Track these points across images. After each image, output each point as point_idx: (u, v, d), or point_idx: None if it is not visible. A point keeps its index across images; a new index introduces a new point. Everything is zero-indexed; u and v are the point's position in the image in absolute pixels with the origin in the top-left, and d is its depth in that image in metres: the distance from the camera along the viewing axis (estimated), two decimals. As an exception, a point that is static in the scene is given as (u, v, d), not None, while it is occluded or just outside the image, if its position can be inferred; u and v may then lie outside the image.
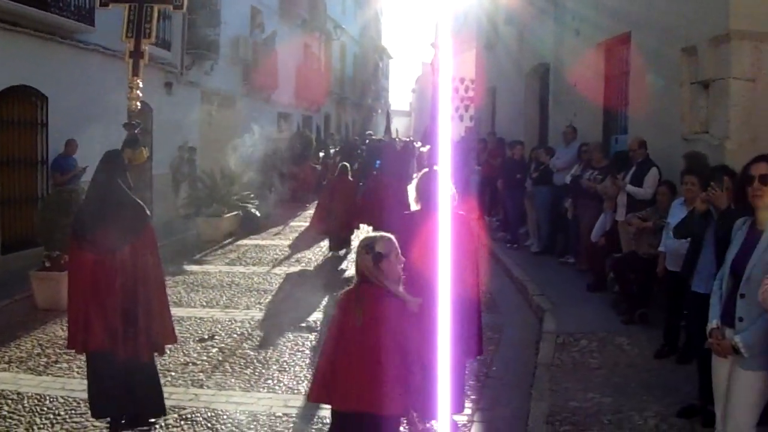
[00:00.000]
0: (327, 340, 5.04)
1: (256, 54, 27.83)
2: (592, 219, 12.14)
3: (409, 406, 4.89)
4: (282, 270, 14.55)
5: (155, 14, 9.33)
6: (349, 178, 16.41)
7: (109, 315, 6.43)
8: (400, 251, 4.93)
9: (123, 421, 6.79)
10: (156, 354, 6.86)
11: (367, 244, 4.89)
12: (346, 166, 16.77)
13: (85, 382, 7.73)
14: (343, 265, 15.37)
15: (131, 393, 6.67)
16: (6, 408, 7.41)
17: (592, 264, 11.89)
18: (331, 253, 16.32)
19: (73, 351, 8.71)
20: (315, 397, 5.14)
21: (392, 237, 4.97)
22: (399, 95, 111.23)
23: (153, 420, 6.93)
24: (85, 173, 15.11)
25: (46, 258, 11.65)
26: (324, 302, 11.70)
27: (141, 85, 9.16)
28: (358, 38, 52.87)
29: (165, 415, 7.03)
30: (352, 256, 16.38)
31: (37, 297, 11.34)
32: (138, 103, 8.96)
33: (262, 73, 28.37)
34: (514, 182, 16.00)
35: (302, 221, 22.21)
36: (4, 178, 14.04)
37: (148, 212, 6.80)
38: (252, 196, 20.47)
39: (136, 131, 7.20)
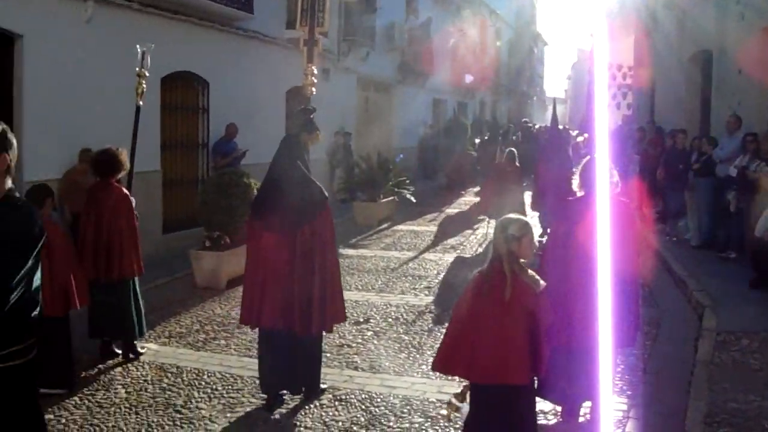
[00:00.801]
0: (459, 317, 5.12)
1: (411, 40, 27.85)
2: (757, 213, 11.49)
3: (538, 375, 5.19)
4: (437, 256, 14.44)
5: (327, 3, 9.47)
6: (517, 164, 16.15)
7: (285, 293, 6.58)
8: (558, 235, 5.19)
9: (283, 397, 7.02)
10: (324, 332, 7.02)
11: (504, 226, 5.00)
12: (513, 151, 16.52)
13: (243, 359, 8.08)
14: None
15: (294, 369, 6.86)
16: (166, 380, 7.62)
17: (756, 260, 11.25)
18: (488, 240, 16.07)
19: (233, 328, 9.03)
20: (440, 367, 5.28)
21: (528, 221, 5.08)
22: (554, 82, 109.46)
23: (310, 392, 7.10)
24: (245, 157, 15.45)
25: (206, 238, 11.93)
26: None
27: (315, 71, 9.28)
28: (513, 24, 52.18)
29: (317, 392, 7.13)
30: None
31: (197, 275, 11.64)
32: (313, 89, 9.08)
33: (417, 60, 28.36)
34: (675, 173, 15.30)
35: (457, 208, 22.08)
36: (167, 160, 14.47)
37: (326, 194, 6.94)
38: (408, 181, 20.43)
39: (311, 116, 7.33)
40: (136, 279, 8.25)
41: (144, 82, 8.81)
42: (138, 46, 8.86)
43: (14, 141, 3.83)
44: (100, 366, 7.98)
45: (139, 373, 7.84)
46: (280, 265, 6.59)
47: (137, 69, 8.82)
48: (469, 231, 17.55)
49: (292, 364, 6.84)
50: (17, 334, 3.68)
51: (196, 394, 7.24)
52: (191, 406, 6.97)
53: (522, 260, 4.98)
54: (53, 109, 11.02)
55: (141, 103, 8.80)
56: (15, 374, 3.70)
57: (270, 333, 6.80)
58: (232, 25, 16.31)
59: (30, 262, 3.63)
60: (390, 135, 27.60)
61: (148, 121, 13.35)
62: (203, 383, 7.53)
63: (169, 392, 7.31)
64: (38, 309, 3.77)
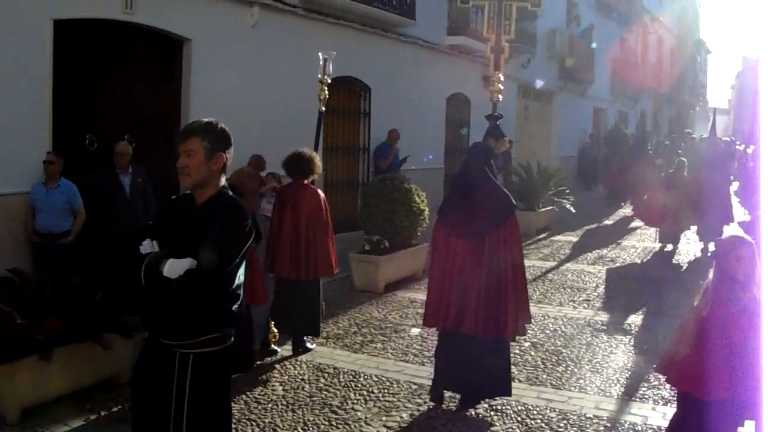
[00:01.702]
0: (691, 331, 5.13)
1: (572, 47, 27.34)
2: None
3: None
4: (596, 268, 13.97)
5: (513, 12, 9.47)
6: (685, 173, 15.54)
7: (471, 297, 6.59)
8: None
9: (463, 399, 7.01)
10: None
11: (726, 245, 5.12)
12: (683, 161, 15.93)
13: (399, 363, 8.05)
14: (673, 262, 14.72)
15: (478, 372, 6.80)
16: (323, 380, 7.61)
17: None
18: (652, 253, 15.62)
19: (390, 332, 9.01)
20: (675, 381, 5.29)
21: (752, 241, 5.08)
22: (718, 92, 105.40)
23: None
24: (406, 162, 15.43)
25: (366, 242, 11.94)
26: (645, 305, 11.06)
27: (502, 78, 9.26)
28: (675, 31, 50.53)
29: (510, 395, 7.00)
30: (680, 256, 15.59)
31: (356, 278, 11.65)
32: (500, 96, 9.10)
33: (578, 67, 27.82)
34: None
35: (617, 219, 21.47)
36: (329, 163, 14.56)
37: (513, 201, 6.97)
38: (567, 191, 19.98)
39: (497, 122, 7.38)
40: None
41: (326, 88, 9.09)
42: (320, 53, 9.14)
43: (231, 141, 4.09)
44: (258, 362, 8.08)
45: (296, 371, 7.88)
46: (467, 269, 6.63)
47: (319, 76, 9.13)
48: (631, 245, 16.95)
49: (469, 368, 6.79)
50: (218, 323, 3.95)
51: (352, 396, 7.20)
52: (347, 407, 6.94)
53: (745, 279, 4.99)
54: (218, 112, 11.15)
55: (323, 108, 9.16)
56: (212, 360, 4.00)
57: (451, 335, 6.81)
58: (394, 31, 16.36)
59: (239, 258, 3.94)
60: (549, 143, 27.17)
61: (311, 125, 13.55)
62: (359, 385, 7.49)
63: (325, 392, 7.29)
64: (239, 303, 4.04)
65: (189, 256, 3.81)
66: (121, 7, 10.07)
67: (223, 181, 4.08)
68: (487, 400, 7.04)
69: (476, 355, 6.71)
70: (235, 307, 4.01)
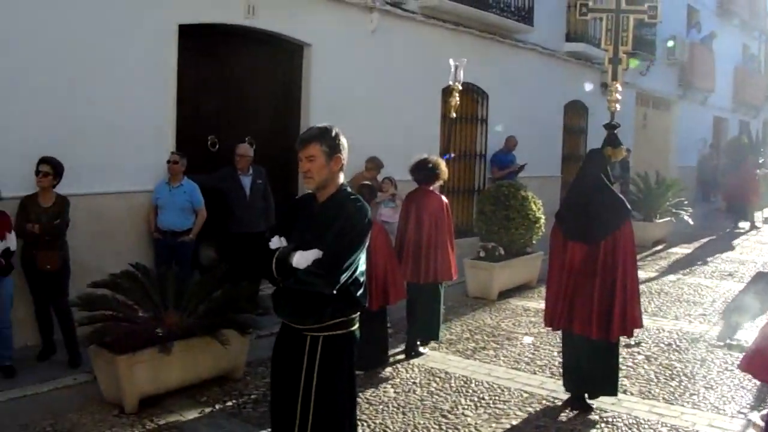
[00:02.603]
0: None
1: (692, 55, 26.56)
2: None
3: None
4: (713, 282, 13.54)
5: (631, 24, 9.46)
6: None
7: (587, 299, 6.78)
8: None
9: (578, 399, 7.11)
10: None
11: None
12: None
13: (511, 371, 8.06)
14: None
15: (596, 372, 6.99)
16: (434, 385, 7.60)
17: None
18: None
19: (502, 339, 8.97)
20: None
21: None
22: None
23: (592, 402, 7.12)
24: (523, 170, 15.29)
25: (481, 248, 11.89)
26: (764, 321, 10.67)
27: (620, 89, 9.23)
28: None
29: (615, 395, 7.12)
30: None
31: (469, 284, 11.61)
32: (617, 105, 9.09)
33: (699, 75, 27.03)
34: None
35: (736, 231, 20.89)
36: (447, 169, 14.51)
37: (628, 207, 7.09)
38: (685, 202, 19.45)
39: (615, 131, 7.45)
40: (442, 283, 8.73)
41: (457, 95, 9.29)
42: (451, 60, 9.26)
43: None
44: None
45: (408, 375, 7.90)
46: (584, 272, 6.82)
47: (450, 83, 9.33)
48: (750, 257, 16.49)
49: (591, 368, 6.96)
50: (344, 308, 4.33)
51: (462, 401, 7.17)
52: (457, 412, 6.91)
53: None
54: (337, 116, 11.35)
55: (454, 115, 9.40)
56: (338, 343, 4.38)
57: (569, 335, 7.06)
58: (512, 38, 16.23)
59: (361, 248, 4.28)
60: (668, 153, 26.48)
61: (429, 131, 13.59)
62: (470, 391, 7.46)
63: (436, 396, 7.28)
64: (363, 289, 4.40)
65: (315, 248, 4.17)
66: (244, 12, 10.30)
67: (341, 179, 4.44)
68: (598, 412, 6.97)
69: (586, 355, 6.89)
70: (359, 292, 4.36)
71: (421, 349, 8.67)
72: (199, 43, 10.02)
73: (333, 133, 4.38)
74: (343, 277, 4.18)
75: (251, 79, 10.90)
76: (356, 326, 4.48)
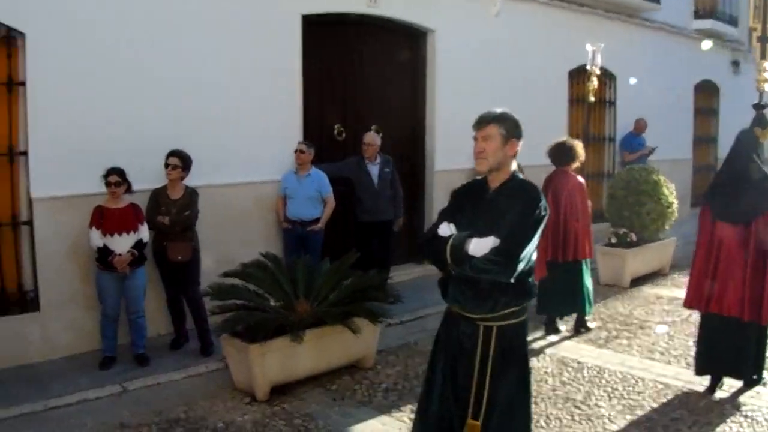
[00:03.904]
0: None
1: None
2: None
3: None
4: None
5: None
6: None
7: (737, 281, 6.64)
8: None
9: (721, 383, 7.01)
10: None
11: None
12: None
13: (645, 361, 7.81)
14: None
15: (739, 354, 6.83)
16: (566, 374, 7.44)
17: None
18: None
19: (635, 328, 8.85)
20: None
21: None
22: None
23: (756, 378, 7.00)
24: (653, 153, 14.87)
25: (612, 234, 11.62)
26: None
27: None
28: None
29: (760, 381, 6.98)
30: None
31: (601, 271, 11.31)
32: (766, 85, 8.77)
33: None
34: None
35: None
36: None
37: None
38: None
39: (764, 111, 7.22)
40: (587, 260, 8.84)
41: (595, 79, 9.30)
42: (588, 44, 9.07)
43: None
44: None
45: (540, 364, 7.75)
46: (733, 253, 6.68)
47: (588, 67, 9.37)
48: None
49: (738, 348, 6.82)
50: (518, 297, 4.30)
51: (595, 392, 6.99)
52: (590, 403, 6.74)
53: None
54: (462, 101, 11.25)
55: (592, 99, 9.48)
56: (512, 332, 4.35)
57: (713, 318, 6.85)
58: (638, 17, 15.76)
59: (537, 237, 4.20)
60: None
61: (556, 114, 13.34)
62: (603, 381, 7.27)
63: (569, 386, 7.12)
64: (532, 276, 4.35)
65: (489, 235, 4.14)
66: (366, 0, 10.30)
67: (514, 166, 4.39)
68: (736, 404, 6.70)
69: (733, 338, 6.74)
70: (531, 280, 4.33)
71: (589, 324, 8.92)
72: (323, 33, 10.07)
73: (512, 118, 4.40)
74: (521, 266, 4.13)
75: (375, 67, 10.90)
76: (527, 315, 4.45)
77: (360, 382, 7.18)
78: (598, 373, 7.49)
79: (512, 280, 4.14)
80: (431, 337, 7.78)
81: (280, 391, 6.85)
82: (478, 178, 4.52)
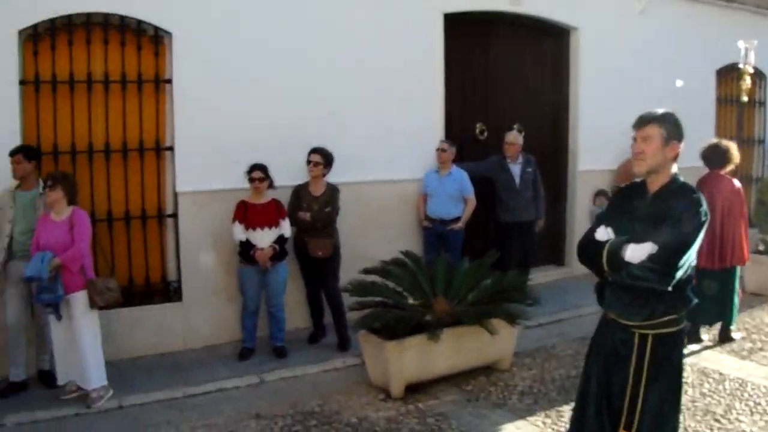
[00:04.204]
0: None
1: None
2: None
3: None
4: None
5: None
6: None
7: None
8: None
9: None
10: None
11: None
12: None
13: None
14: None
15: None
16: (707, 386, 7.15)
17: None
18: None
19: None
20: None
21: None
22: None
23: None
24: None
25: (760, 241, 11.18)
26: None
27: None
28: None
29: None
30: None
31: (747, 279, 10.80)
32: None
33: None
34: None
35: None
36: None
37: None
38: None
39: None
40: (739, 267, 8.54)
41: (748, 77, 8.77)
42: (740, 42, 8.73)
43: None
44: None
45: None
46: None
47: (741, 65, 9.17)
48: None
49: None
50: (676, 306, 4.18)
51: (737, 405, 6.68)
52: (731, 417, 6.44)
53: None
54: (606, 101, 11.04)
55: (746, 98, 9.32)
56: (668, 341, 4.24)
57: None
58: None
59: (696, 244, 4.07)
60: None
61: (704, 115, 12.89)
62: (746, 395, 6.93)
63: (709, 398, 6.84)
64: (691, 284, 4.22)
65: (647, 240, 4.03)
66: (509, -2, 10.21)
67: (674, 169, 4.25)
68: None
69: None
70: (690, 288, 4.20)
71: (733, 335, 8.55)
72: (465, 31, 10.02)
73: (674, 119, 4.24)
74: (679, 274, 4.01)
75: (517, 65, 10.80)
76: (684, 323, 4.33)
77: (495, 384, 7.10)
78: (740, 385, 7.17)
79: (669, 288, 4.02)
80: (568, 342, 7.66)
81: (415, 389, 6.84)
82: (637, 180, 4.39)
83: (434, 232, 9.14)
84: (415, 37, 9.36)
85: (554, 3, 10.77)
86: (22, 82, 7.57)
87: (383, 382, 6.85)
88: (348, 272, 7.89)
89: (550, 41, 11.23)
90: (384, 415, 6.40)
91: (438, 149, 9.17)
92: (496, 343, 7.09)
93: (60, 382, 6.99)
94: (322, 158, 8.05)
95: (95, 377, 6.85)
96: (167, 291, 8.40)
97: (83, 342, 6.80)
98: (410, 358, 6.72)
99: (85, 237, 6.85)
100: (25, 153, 7.13)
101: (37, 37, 7.65)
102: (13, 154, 7.09)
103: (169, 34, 8.05)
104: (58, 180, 6.83)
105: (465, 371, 7.20)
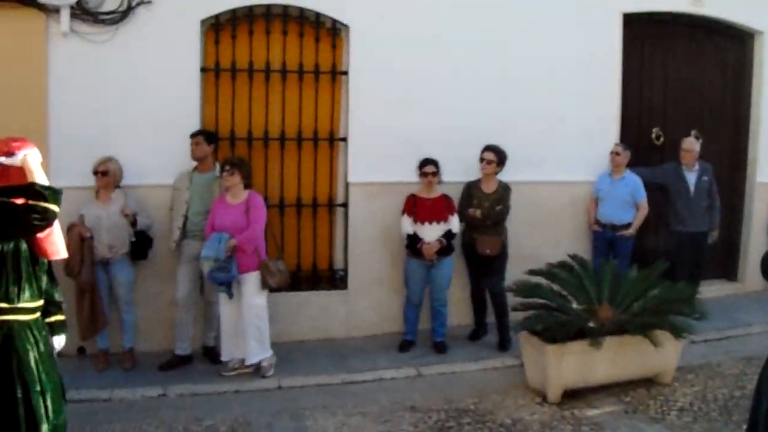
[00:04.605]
0: None
1: None
2: None
3: None
4: None
5: None
6: None
7: None
8: None
9: None
10: None
11: None
12: None
13: None
14: None
15: None
16: None
17: None
18: None
19: None
20: None
21: None
22: None
23: None
24: None
25: None
26: None
27: None
28: None
29: None
30: None
31: None
32: None
33: None
34: None
35: None
36: None
37: None
38: None
39: None
40: None
41: None
42: None
43: None
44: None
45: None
46: None
47: None
48: None
49: None
50: None
51: None
52: None
53: None
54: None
55: None
56: None
57: None
58: None
59: None
60: None
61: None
62: None
63: None
64: None
65: None
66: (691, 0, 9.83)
67: None
68: None
69: None
70: None
71: None
72: (644, 32, 9.73)
73: None
74: None
75: (697, 69, 10.35)
76: None
77: (655, 398, 6.85)
78: None
79: None
80: (735, 360, 7.32)
81: (572, 395, 6.72)
82: None
83: (604, 237, 8.92)
84: (592, 36, 9.13)
85: (738, 5, 10.22)
86: (203, 70, 7.94)
87: (541, 385, 6.77)
88: (513, 272, 7.83)
89: (731, 44, 10.70)
90: (538, 419, 6.33)
91: (612, 152, 8.93)
92: (658, 355, 6.85)
93: (224, 358, 7.34)
94: (496, 156, 8.02)
95: (262, 351, 7.24)
96: (333, 278, 8.59)
97: (252, 320, 7.13)
98: (570, 364, 6.60)
99: (261, 220, 7.18)
100: (205, 136, 7.52)
101: (219, 27, 8.02)
102: (194, 135, 7.48)
103: (346, 27, 8.22)
104: (236, 165, 7.16)
105: (624, 382, 7.00)
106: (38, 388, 4.09)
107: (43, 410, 4.10)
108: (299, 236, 8.39)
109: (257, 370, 7.27)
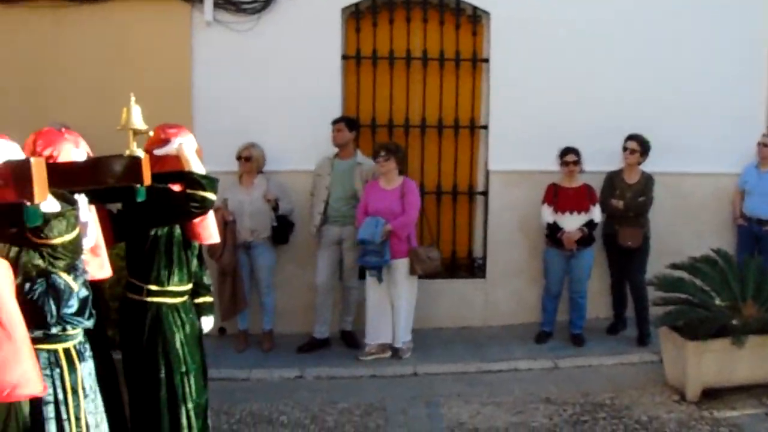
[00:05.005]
0: None
1: None
2: None
3: None
4: None
5: None
6: None
7: None
8: None
9: None
10: None
11: None
12: None
13: None
14: None
15: None
16: None
17: None
18: None
19: None
20: None
21: None
22: None
23: None
24: None
25: None
26: None
27: None
28: None
29: None
30: None
31: None
32: None
33: None
34: None
35: None
36: None
37: None
38: None
39: None
40: None
41: None
42: None
43: None
44: None
45: None
46: None
47: None
48: None
49: None
50: None
51: None
52: None
53: None
54: None
55: None
56: None
57: None
58: None
59: None
60: None
61: None
62: None
63: None
64: None
65: None
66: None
67: None
68: None
69: None
70: None
71: None
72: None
73: None
74: None
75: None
76: None
77: (799, 402, 6.59)
78: None
79: None
80: None
81: (711, 394, 6.50)
82: None
83: (749, 231, 8.50)
84: (738, 23, 8.62)
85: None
86: (344, 57, 8.10)
87: (679, 383, 6.58)
88: (655, 265, 7.63)
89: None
90: (675, 417, 6.16)
91: (759, 143, 8.46)
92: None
93: (368, 341, 7.50)
94: (639, 146, 7.83)
95: (405, 334, 7.45)
96: (472, 267, 8.60)
97: (401, 305, 7.31)
98: (710, 362, 6.40)
99: (416, 206, 7.36)
100: (346, 122, 7.65)
101: (359, 15, 8.13)
102: (336, 122, 7.63)
103: (487, 13, 8.19)
104: (392, 151, 7.31)
105: (767, 384, 6.68)
106: (183, 369, 4.30)
107: (186, 390, 4.31)
108: (439, 224, 8.43)
109: (394, 355, 7.41)
